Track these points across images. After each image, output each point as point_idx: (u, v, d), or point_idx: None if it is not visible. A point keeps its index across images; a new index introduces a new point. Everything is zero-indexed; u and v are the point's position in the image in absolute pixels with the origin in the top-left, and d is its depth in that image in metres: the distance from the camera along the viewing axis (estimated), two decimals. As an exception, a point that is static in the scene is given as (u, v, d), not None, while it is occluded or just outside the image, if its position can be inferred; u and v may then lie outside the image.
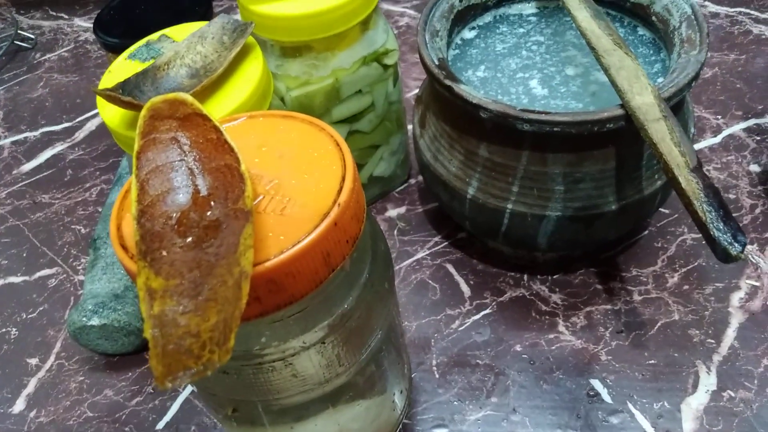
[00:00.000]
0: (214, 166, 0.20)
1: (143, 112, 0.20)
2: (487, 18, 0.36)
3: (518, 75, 0.33)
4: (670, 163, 0.24)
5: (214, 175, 0.20)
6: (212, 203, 0.19)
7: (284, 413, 0.23)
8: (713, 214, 0.22)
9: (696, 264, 0.36)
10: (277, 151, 0.21)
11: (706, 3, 0.55)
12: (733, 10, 0.53)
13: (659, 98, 0.26)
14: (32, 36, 0.63)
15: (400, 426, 0.31)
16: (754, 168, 0.41)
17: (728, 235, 0.22)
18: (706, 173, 0.23)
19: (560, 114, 0.27)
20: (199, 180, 0.20)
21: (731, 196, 0.39)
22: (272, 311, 0.18)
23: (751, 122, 0.44)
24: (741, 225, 0.34)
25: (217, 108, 0.27)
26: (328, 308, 0.20)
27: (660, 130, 0.24)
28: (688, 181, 0.23)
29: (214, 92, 0.27)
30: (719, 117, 0.45)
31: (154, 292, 0.16)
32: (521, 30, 0.35)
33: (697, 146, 0.43)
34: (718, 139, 0.43)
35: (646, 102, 0.25)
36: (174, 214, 0.19)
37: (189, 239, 0.18)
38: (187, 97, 0.21)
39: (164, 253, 0.18)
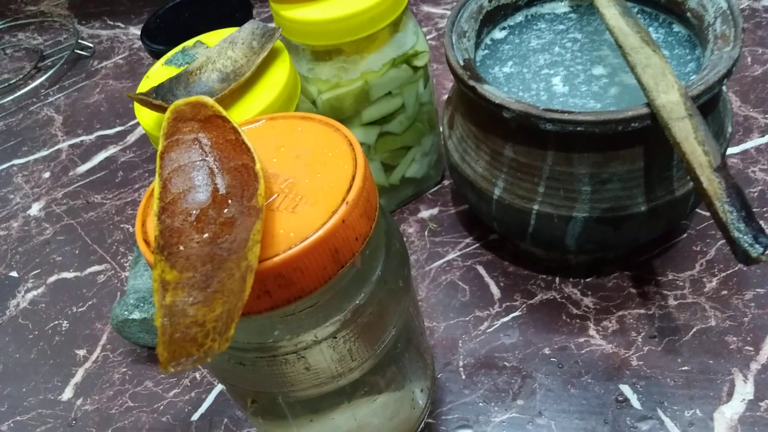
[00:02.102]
0: (232, 166, 0.21)
1: (167, 114, 0.21)
2: (518, 18, 0.36)
3: (543, 71, 0.32)
4: (693, 163, 0.23)
5: (232, 174, 0.21)
6: (229, 201, 0.20)
7: (302, 406, 0.24)
8: (734, 214, 0.22)
9: (736, 268, 0.35)
10: (294, 151, 0.22)
11: (759, -2, 0.52)
12: (788, 4, 0.51)
13: (685, 96, 0.25)
14: (91, 45, 0.67)
15: (423, 424, 0.31)
16: (805, 169, 0.39)
17: (749, 236, 0.21)
18: (730, 173, 0.23)
19: (583, 113, 0.26)
20: (219, 179, 0.21)
21: (778, 199, 0.38)
22: (282, 305, 0.19)
23: (803, 121, 0.42)
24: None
25: (244, 110, 0.28)
26: (340, 304, 0.21)
27: (684, 129, 0.24)
28: (710, 181, 0.23)
29: (242, 95, 0.28)
30: (768, 116, 0.43)
31: (168, 284, 0.17)
32: (561, 27, 0.35)
33: (742, 146, 0.41)
34: (766, 138, 0.41)
35: (671, 100, 0.25)
36: (194, 211, 0.20)
37: (206, 235, 0.19)
38: (208, 99, 0.22)
39: (181, 247, 0.19)
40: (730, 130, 0.31)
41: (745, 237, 0.21)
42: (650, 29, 0.33)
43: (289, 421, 0.25)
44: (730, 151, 0.41)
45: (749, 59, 0.47)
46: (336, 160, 0.21)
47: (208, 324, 0.16)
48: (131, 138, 0.55)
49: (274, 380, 0.22)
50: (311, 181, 0.21)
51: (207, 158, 0.21)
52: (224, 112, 0.21)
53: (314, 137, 0.22)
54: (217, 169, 0.21)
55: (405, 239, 0.33)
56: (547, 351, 0.34)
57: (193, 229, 0.19)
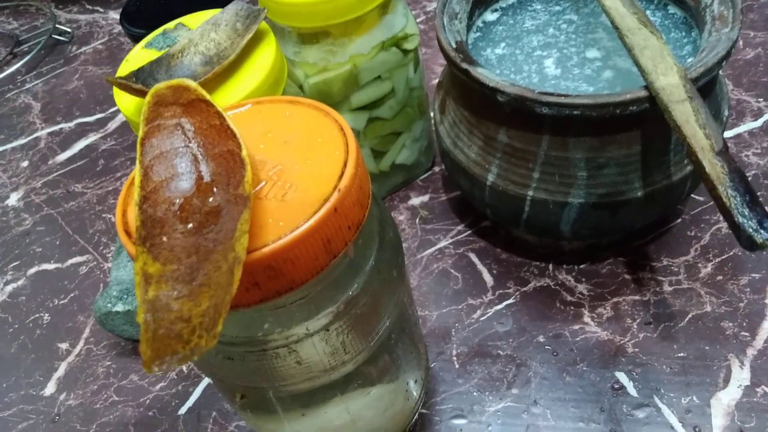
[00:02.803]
0: (217, 152, 0.20)
1: (147, 98, 0.20)
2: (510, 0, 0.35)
3: (536, 53, 0.32)
4: (694, 146, 0.23)
5: (217, 161, 0.20)
6: (214, 189, 0.19)
7: (293, 400, 0.23)
8: (738, 199, 0.21)
9: (731, 253, 0.35)
10: (282, 136, 0.21)
11: (750, -20, 0.52)
12: (779, -14, 0.51)
13: (685, 78, 0.24)
14: (69, 30, 0.65)
15: (417, 415, 0.30)
16: (798, 153, 0.39)
17: (754, 221, 0.21)
18: (733, 157, 0.22)
19: (580, 96, 0.26)
20: (203, 166, 0.20)
21: (772, 183, 0.37)
22: (272, 297, 0.18)
23: (796, 104, 0.42)
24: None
25: (229, 95, 0.27)
26: (332, 295, 0.20)
27: (684, 112, 0.23)
28: (713, 165, 0.22)
29: (226, 79, 0.27)
30: (761, 100, 0.42)
31: (150, 277, 0.16)
32: (557, 8, 0.34)
33: (736, 130, 0.41)
34: (759, 122, 0.41)
35: (671, 83, 0.24)
36: (177, 200, 0.19)
37: (190, 225, 0.18)
38: (191, 83, 0.20)
39: (165, 238, 0.18)
40: (726, 113, 0.30)
41: (750, 222, 0.21)
42: (646, 11, 0.33)
43: (279, 415, 0.24)
44: (723, 135, 0.41)
45: (741, 43, 0.47)
46: (326, 146, 0.20)
47: (194, 319, 0.15)
48: (112, 125, 0.54)
49: (264, 375, 0.21)
50: (301, 168, 0.20)
51: (190, 144, 0.20)
52: (208, 96, 0.20)
53: (303, 122, 0.21)
54: (201, 156, 0.20)
55: (396, 225, 0.33)
56: (541, 339, 0.33)
57: (177, 218, 0.18)
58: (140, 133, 0.20)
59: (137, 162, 0.20)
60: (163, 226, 0.18)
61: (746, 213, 0.21)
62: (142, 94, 0.25)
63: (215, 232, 0.18)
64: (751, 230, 0.21)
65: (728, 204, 0.21)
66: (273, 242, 0.17)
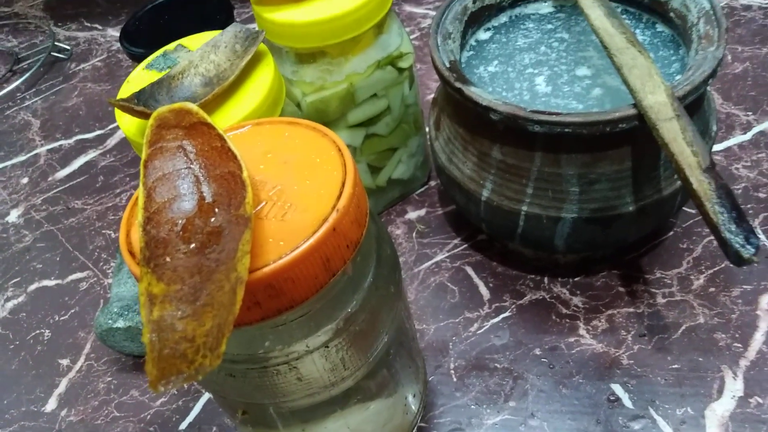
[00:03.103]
0: (218, 174, 0.20)
1: (150, 121, 0.21)
2: (503, 18, 0.36)
3: (528, 71, 0.32)
4: (682, 164, 0.23)
5: (219, 182, 0.20)
6: (216, 210, 0.19)
7: (293, 416, 0.24)
8: (725, 215, 0.22)
9: (723, 265, 0.35)
10: (282, 157, 0.22)
11: (738, -5, 0.53)
12: (767, 2, 0.52)
13: (672, 97, 0.25)
14: (68, 47, 0.66)
15: (415, 429, 0.31)
16: (787, 165, 0.40)
17: (740, 237, 0.21)
18: (720, 174, 0.23)
19: (571, 114, 0.26)
20: (204, 187, 0.20)
21: (761, 195, 0.38)
22: (273, 316, 0.19)
23: (784, 118, 0.42)
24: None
25: (229, 115, 0.27)
26: (332, 312, 0.21)
27: (672, 130, 0.24)
28: (700, 182, 0.23)
29: (226, 100, 0.28)
30: (750, 113, 0.43)
31: (155, 298, 0.17)
32: (549, 26, 0.35)
33: (725, 144, 0.42)
34: (748, 136, 0.42)
35: (658, 101, 0.25)
36: (180, 221, 0.19)
37: (193, 245, 0.19)
38: (193, 106, 0.21)
39: (168, 259, 0.18)
40: (714, 128, 0.31)
41: (737, 238, 0.21)
42: (635, 30, 0.33)
43: (280, 431, 0.25)
44: (713, 149, 0.41)
45: (729, 57, 0.48)
46: (325, 166, 0.21)
47: (198, 339, 0.15)
48: (111, 142, 0.54)
49: (265, 391, 0.22)
50: (300, 188, 0.20)
51: (192, 166, 0.21)
52: (209, 119, 0.21)
53: (302, 143, 0.22)
54: (203, 177, 0.20)
55: (392, 241, 0.33)
56: (537, 351, 0.34)
57: (180, 239, 0.19)
58: (143, 156, 0.21)
59: (141, 183, 0.20)
60: (167, 246, 0.19)
61: (733, 229, 0.21)
62: (143, 115, 0.26)
63: (217, 252, 0.18)
64: (737, 245, 0.21)
65: (715, 220, 0.22)
66: (274, 262, 0.18)
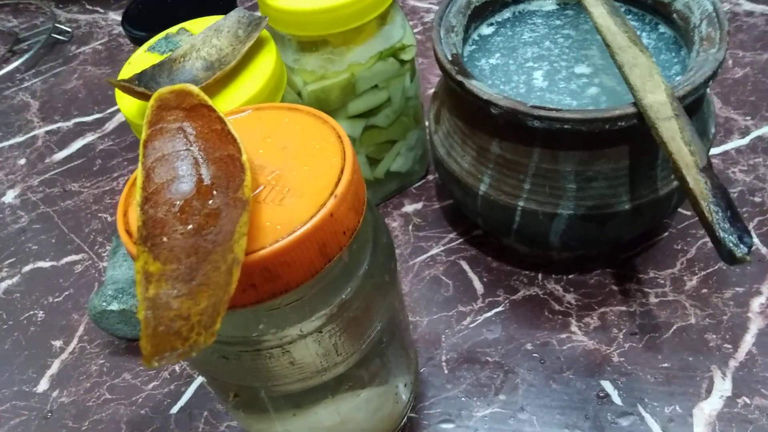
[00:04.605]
0: (217, 156, 0.20)
1: (151, 102, 0.21)
2: (506, 14, 0.36)
3: (528, 64, 0.32)
4: (679, 162, 0.23)
5: (217, 165, 0.20)
6: (214, 192, 0.20)
7: (284, 400, 0.24)
8: (720, 214, 0.22)
9: (716, 267, 0.36)
10: (281, 142, 0.22)
11: (741, 1, 0.53)
12: (769, 7, 0.52)
13: (672, 97, 0.25)
14: (69, 29, 0.65)
15: (405, 419, 0.31)
16: (783, 170, 0.40)
17: (734, 236, 0.21)
18: (716, 174, 0.23)
19: (571, 111, 0.26)
20: (203, 169, 0.20)
21: (757, 199, 0.38)
22: (268, 299, 0.19)
23: (782, 123, 0.43)
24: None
25: (229, 100, 0.27)
26: (326, 298, 0.21)
27: (670, 129, 0.24)
28: (696, 181, 0.23)
29: (227, 84, 0.28)
30: (748, 118, 0.43)
31: (151, 276, 0.17)
32: (557, 22, 0.35)
33: (723, 147, 0.42)
34: (746, 140, 0.42)
35: (658, 100, 0.25)
36: (177, 202, 0.19)
37: (190, 226, 0.19)
38: (194, 88, 0.21)
39: (165, 239, 0.18)
40: (713, 131, 0.31)
41: (730, 237, 0.21)
42: (640, 32, 0.33)
43: (271, 415, 0.25)
44: (711, 152, 0.42)
45: (730, 62, 0.48)
46: (324, 153, 0.21)
47: (193, 317, 0.16)
48: (110, 125, 0.54)
49: (257, 374, 0.22)
50: (298, 174, 0.20)
51: (191, 148, 0.21)
52: (210, 101, 0.21)
53: (302, 129, 0.22)
54: (202, 160, 0.20)
55: (389, 231, 0.33)
56: (529, 346, 0.34)
57: (177, 220, 0.19)
58: (143, 136, 0.21)
59: (140, 164, 0.20)
60: (164, 226, 0.19)
61: (727, 228, 0.21)
62: (144, 97, 0.26)
63: (214, 233, 0.18)
64: (731, 245, 0.21)
65: (710, 219, 0.22)
66: (270, 245, 0.18)
